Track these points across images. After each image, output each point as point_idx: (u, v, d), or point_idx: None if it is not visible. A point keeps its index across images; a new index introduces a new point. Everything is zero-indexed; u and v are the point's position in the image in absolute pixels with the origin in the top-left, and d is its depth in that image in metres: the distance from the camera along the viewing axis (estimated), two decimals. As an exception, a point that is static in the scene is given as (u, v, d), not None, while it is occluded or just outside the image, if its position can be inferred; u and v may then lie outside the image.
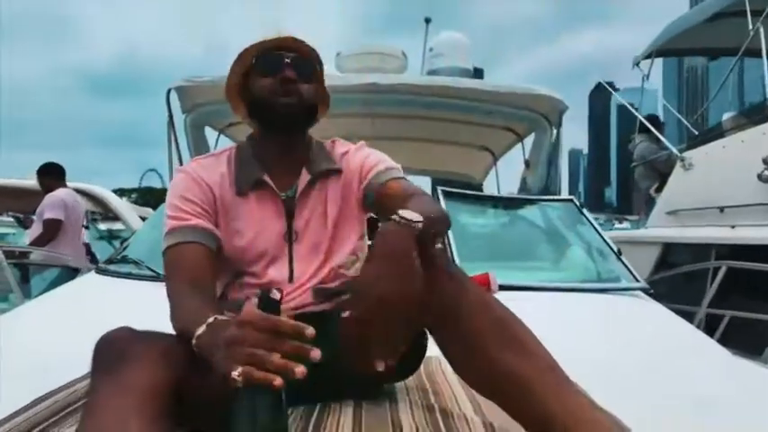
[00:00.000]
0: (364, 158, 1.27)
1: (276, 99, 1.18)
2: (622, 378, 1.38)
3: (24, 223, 5.23)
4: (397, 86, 2.98)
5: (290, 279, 1.19)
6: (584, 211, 2.79)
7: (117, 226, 6.55)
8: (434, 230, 0.94)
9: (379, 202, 1.21)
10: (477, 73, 3.82)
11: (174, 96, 3.13)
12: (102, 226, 6.67)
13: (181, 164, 3.26)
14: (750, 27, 4.01)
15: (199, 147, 3.42)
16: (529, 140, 3.77)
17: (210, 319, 0.83)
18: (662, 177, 5.07)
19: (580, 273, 2.52)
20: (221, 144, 3.80)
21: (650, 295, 2.26)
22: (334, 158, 1.28)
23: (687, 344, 1.81)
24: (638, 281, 2.31)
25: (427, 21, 3.69)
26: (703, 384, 1.43)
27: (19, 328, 1.86)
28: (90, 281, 2.45)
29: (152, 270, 2.21)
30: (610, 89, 7.87)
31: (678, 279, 3.54)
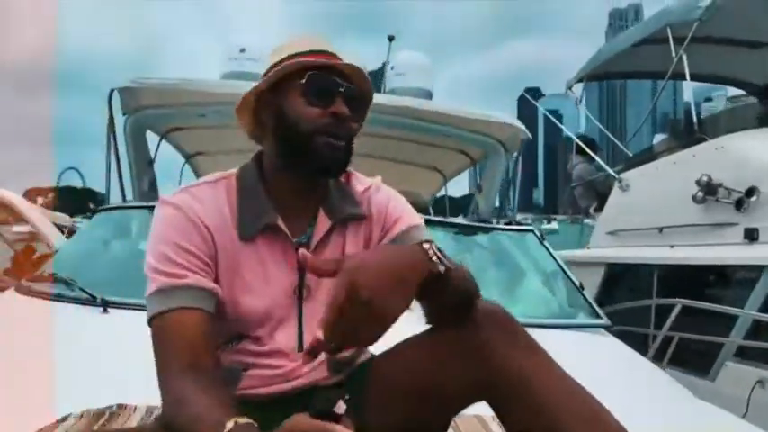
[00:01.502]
0: (386, 204, 1.09)
1: (321, 138, 0.96)
2: None
3: None
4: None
5: (300, 347, 0.99)
6: (545, 242, 2.77)
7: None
8: (453, 285, 0.84)
9: None
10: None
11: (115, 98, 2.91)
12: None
13: (119, 168, 3.05)
14: (673, 54, 4.22)
15: (138, 151, 3.20)
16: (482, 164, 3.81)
17: (230, 425, 0.68)
18: (600, 197, 5.25)
19: (543, 308, 2.48)
20: (162, 150, 3.58)
21: (611, 332, 2.26)
22: (356, 199, 1.08)
23: (645, 379, 1.84)
24: (600, 317, 2.30)
25: (390, 39, 3.65)
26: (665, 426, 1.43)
27: None
28: (10, 302, 2.12)
29: (87, 293, 1.93)
30: (533, 101, 8.14)
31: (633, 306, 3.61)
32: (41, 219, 5.15)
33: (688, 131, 4.18)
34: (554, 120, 5.52)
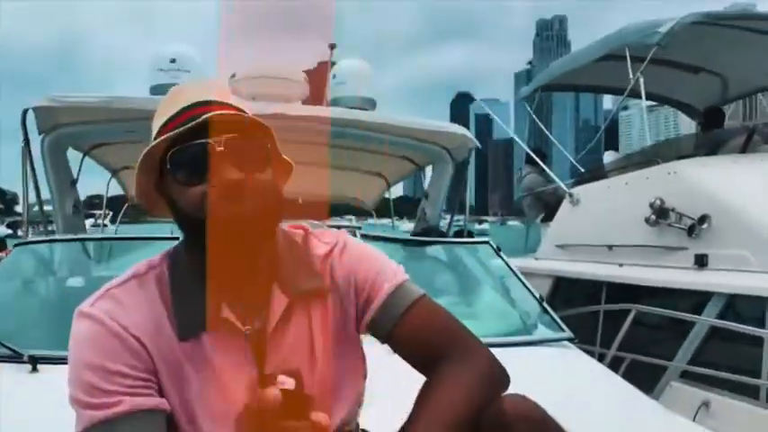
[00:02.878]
0: (356, 267, 0.92)
1: (216, 218, 0.77)
2: None
3: None
4: (304, 117, 2.80)
5: None
6: (502, 254, 2.72)
7: None
8: None
9: (397, 349, 0.91)
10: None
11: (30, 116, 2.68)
12: None
13: (38, 193, 2.82)
14: (630, 75, 4.32)
15: (59, 171, 2.95)
16: (428, 170, 3.80)
17: None
18: (547, 208, 5.33)
19: (504, 324, 2.43)
20: (86, 168, 3.29)
21: (574, 343, 2.22)
22: (317, 266, 0.91)
23: (615, 393, 1.86)
24: (563, 330, 2.26)
25: (332, 47, 3.55)
26: None
27: None
28: None
29: (9, 348, 1.67)
30: (488, 108, 8.19)
31: (581, 317, 3.66)
32: None
33: (640, 153, 4.30)
34: (512, 133, 5.54)
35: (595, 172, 4.84)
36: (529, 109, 5.69)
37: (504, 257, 2.66)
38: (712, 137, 4.40)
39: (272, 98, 2.86)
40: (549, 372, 1.99)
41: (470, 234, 3.52)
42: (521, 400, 0.84)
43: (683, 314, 3.10)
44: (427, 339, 0.88)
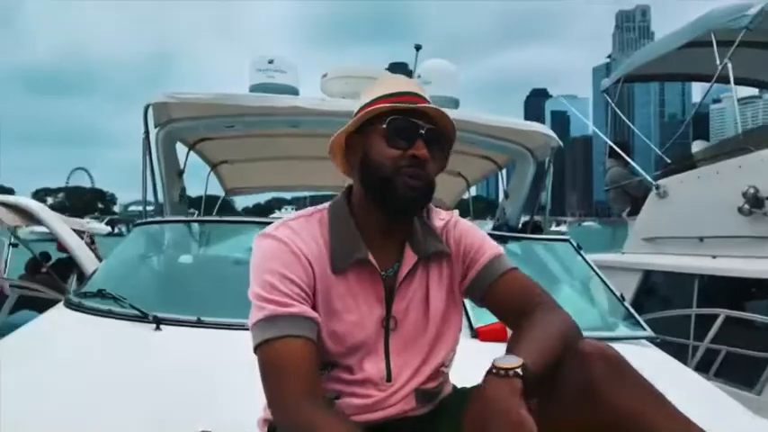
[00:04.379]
0: (465, 237, 1.11)
1: (400, 179, 0.99)
2: None
3: None
4: None
5: (388, 377, 1.03)
6: (582, 252, 2.74)
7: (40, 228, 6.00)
8: (537, 377, 0.85)
9: (491, 304, 1.09)
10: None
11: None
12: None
13: (153, 180, 3.16)
14: (717, 61, 4.17)
15: (169, 162, 3.31)
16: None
17: None
18: (633, 201, 5.22)
19: (583, 320, 2.48)
20: (191, 160, 3.70)
21: (655, 343, 2.22)
22: (439, 235, 1.11)
23: (696, 394, 1.79)
24: (643, 329, 2.27)
25: (417, 48, 3.67)
26: None
27: None
28: (64, 318, 2.17)
29: (137, 309, 1.97)
30: (567, 104, 8.02)
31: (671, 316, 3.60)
32: (61, 225, 5.20)
33: (733, 141, 4.14)
34: (591, 125, 5.46)
35: (683, 162, 4.69)
36: (610, 101, 5.59)
37: (584, 255, 2.69)
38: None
39: (357, 96, 3.06)
40: None
41: (540, 230, 3.52)
42: (597, 342, 0.96)
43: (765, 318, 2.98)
44: (518, 299, 1.04)
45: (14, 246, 5.93)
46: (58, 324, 2.13)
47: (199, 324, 1.93)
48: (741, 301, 3.33)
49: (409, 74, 3.85)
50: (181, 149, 3.53)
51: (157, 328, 1.91)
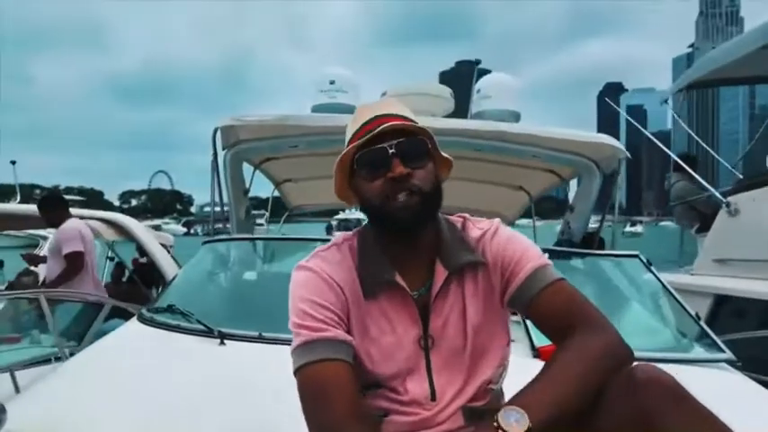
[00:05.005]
0: (503, 248, 1.09)
1: (390, 204, 1.02)
2: None
3: (31, 260, 4.96)
4: (450, 130, 2.92)
5: (432, 396, 1.04)
6: (653, 268, 2.60)
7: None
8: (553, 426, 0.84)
9: (533, 318, 1.05)
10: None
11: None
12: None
13: (221, 198, 3.32)
14: None
15: (236, 181, 3.45)
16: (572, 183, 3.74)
17: None
18: (702, 217, 4.93)
19: (656, 340, 2.32)
20: (257, 179, 3.89)
21: (736, 367, 2.07)
22: (471, 246, 1.10)
23: None
24: (723, 351, 2.13)
25: (477, 62, 3.66)
26: None
27: (76, 393, 1.69)
28: (137, 332, 2.30)
29: (203, 324, 2.08)
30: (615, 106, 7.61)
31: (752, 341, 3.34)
32: (151, 240, 5.49)
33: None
34: (655, 140, 5.15)
35: (758, 178, 4.38)
36: (672, 112, 5.30)
37: (655, 271, 2.56)
38: None
39: (418, 113, 3.08)
40: (706, 393, 1.91)
41: (602, 243, 3.34)
42: (651, 366, 0.91)
43: None
44: (561, 314, 1.01)
45: (111, 259, 6.32)
46: (131, 338, 2.26)
47: (260, 339, 2.01)
48: None
49: (475, 73, 3.80)
50: (246, 169, 3.69)
51: (222, 342, 1.99)
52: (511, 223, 5.19)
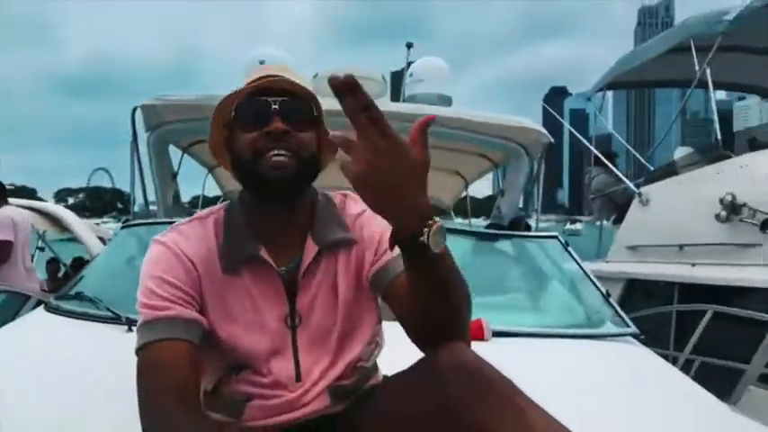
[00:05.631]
0: (382, 227, 1.02)
1: (263, 159, 0.94)
2: (615, 428, 1.35)
3: None
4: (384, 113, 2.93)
5: (298, 377, 1.00)
6: (570, 249, 2.71)
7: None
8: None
9: (389, 300, 0.99)
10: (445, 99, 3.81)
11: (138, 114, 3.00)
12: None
13: (143, 183, 3.14)
14: (696, 67, 4.17)
15: (162, 165, 3.29)
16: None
17: None
18: (619, 209, 5.19)
19: (569, 317, 2.42)
20: (185, 163, 3.68)
21: (640, 340, 2.19)
22: (346, 223, 1.06)
23: (681, 393, 1.78)
24: (628, 326, 2.24)
25: (409, 46, 3.65)
26: None
27: None
28: (38, 321, 2.16)
29: (111, 311, 1.97)
30: (555, 113, 8.04)
31: (654, 318, 3.56)
32: (88, 233, 5.26)
33: (712, 147, 4.13)
34: (576, 133, 5.48)
35: (665, 169, 4.67)
36: (595, 109, 5.58)
37: (572, 252, 2.67)
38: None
39: None
40: (613, 365, 1.98)
41: (528, 228, 3.48)
42: (457, 350, 0.86)
43: (761, 314, 2.95)
44: (409, 300, 0.92)
45: (41, 249, 6.05)
46: (32, 327, 2.12)
47: None
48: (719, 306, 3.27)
49: (407, 56, 3.81)
50: (175, 152, 3.51)
51: (129, 329, 1.89)
52: (448, 210, 5.27)
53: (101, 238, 5.54)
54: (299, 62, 3.44)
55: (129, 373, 1.57)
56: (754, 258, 3.17)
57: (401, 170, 0.74)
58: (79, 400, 1.41)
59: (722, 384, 3.02)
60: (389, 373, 1.10)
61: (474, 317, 1.84)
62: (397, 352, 1.07)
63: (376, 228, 1.04)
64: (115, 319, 1.94)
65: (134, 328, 1.85)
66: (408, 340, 0.97)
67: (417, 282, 0.86)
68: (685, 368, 3.18)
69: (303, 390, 0.99)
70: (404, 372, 0.97)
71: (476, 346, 0.91)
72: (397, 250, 0.93)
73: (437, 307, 0.86)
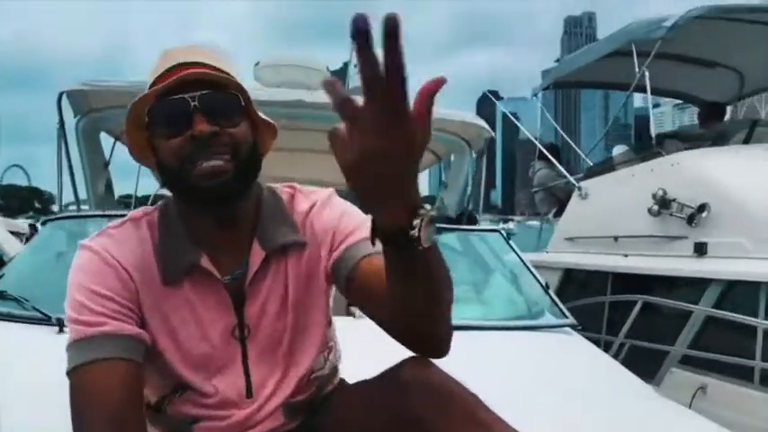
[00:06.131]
0: (336, 220, 0.94)
1: (193, 168, 0.83)
2: (552, 415, 1.40)
3: None
4: (322, 104, 2.82)
5: (249, 393, 0.92)
6: (511, 242, 2.80)
7: None
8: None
9: (351, 290, 0.91)
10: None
11: (64, 101, 2.85)
12: None
13: (72, 172, 2.97)
14: (636, 70, 4.38)
15: (92, 153, 3.13)
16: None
17: None
18: (560, 203, 5.40)
19: (510, 309, 2.52)
20: (117, 152, 3.44)
21: (577, 330, 2.31)
22: (295, 222, 0.96)
23: (614, 380, 1.90)
24: (566, 317, 2.35)
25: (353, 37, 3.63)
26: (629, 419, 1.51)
27: None
28: None
29: (39, 311, 1.85)
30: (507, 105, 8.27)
31: (589, 307, 3.75)
32: None
33: (646, 146, 4.36)
34: (517, 124, 5.73)
35: (604, 165, 4.89)
36: (540, 105, 5.78)
37: (513, 245, 2.75)
38: (717, 129, 4.43)
39: (293, 86, 2.95)
40: (550, 356, 2.09)
41: (475, 221, 3.57)
42: (419, 364, 0.84)
43: (685, 304, 3.17)
44: (378, 287, 0.82)
45: None
46: None
47: None
48: (648, 296, 3.49)
49: (352, 48, 3.79)
50: (106, 141, 3.32)
51: (61, 330, 1.77)
52: None
53: (14, 233, 5.20)
54: (237, 49, 3.28)
55: (60, 376, 1.49)
56: (682, 250, 3.36)
57: (402, 151, 0.59)
58: (16, 406, 1.33)
59: (648, 367, 3.23)
60: (346, 373, 1.08)
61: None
62: (354, 351, 1.08)
63: (328, 221, 0.95)
64: (44, 320, 1.83)
65: (65, 329, 1.78)
66: (364, 339, 0.96)
67: (401, 281, 0.74)
68: (618, 352, 3.39)
69: (256, 406, 0.92)
70: (365, 384, 0.94)
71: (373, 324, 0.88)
72: (354, 238, 0.90)
73: (424, 309, 0.77)
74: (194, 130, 0.82)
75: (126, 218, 0.95)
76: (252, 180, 0.91)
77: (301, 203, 0.98)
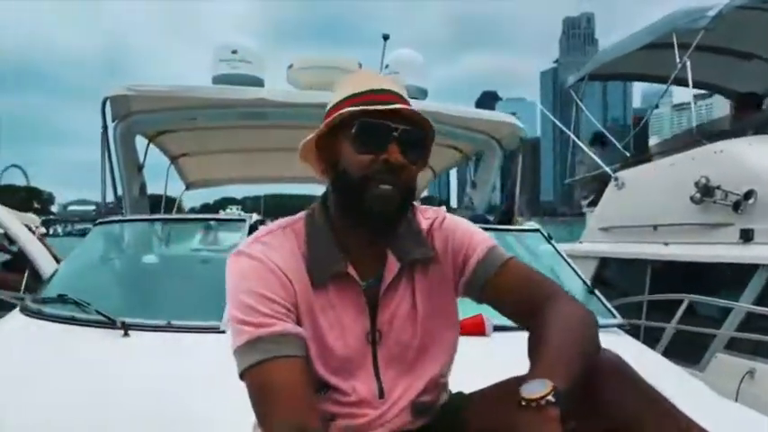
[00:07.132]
0: (451, 238, 1.05)
1: (370, 188, 0.91)
2: None
3: None
4: None
5: (381, 394, 0.99)
6: (553, 241, 2.80)
7: None
8: (570, 396, 0.77)
9: (491, 301, 1.03)
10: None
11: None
12: None
13: (112, 175, 3.05)
14: (677, 60, 4.34)
15: (128, 156, 3.18)
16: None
17: None
18: (599, 191, 5.38)
19: None
20: (151, 153, 3.58)
21: (626, 331, 2.28)
22: (422, 237, 1.05)
23: (669, 381, 1.86)
24: (614, 316, 2.33)
25: (385, 38, 3.66)
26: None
27: None
28: (18, 325, 2.05)
29: (103, 315, 1.87)
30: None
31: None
32: (11, 219, 4.97)
33: (687, 135, 4.33)
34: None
35: (641, 156, 4.87)
36: (575, 97, 5.73)
37: (555, 245, 2.76)
38: (758, 118, 4.37)
39: (325, 87, 2.91)
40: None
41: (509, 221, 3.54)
42: (614, 354, 0.94)
43: (729, 302, 3.14)
44: (522, 292, 0.99)
45: None
46: (16, 333, 2.01)
47: (169, 328, 1.87)
48: (691, 284, 3.48)
49: (384, 48, 3.82)
50: (140, 143, 3.39)
51: (125, 333, 1.83)
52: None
53: (27, 227, 5.24)
54: (268, 52, 3.36)
55: (131, 377, 1.52)
56: (727, 237, 3.33)
57: None
58: (82, 414, 1.36)
59: (692, 353, 3.23)
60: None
61: (474, 312, 1.89)
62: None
63: (450, 238, 1.05)
64: (108, 324, 1.86)
65: (131, 333, 1.82)
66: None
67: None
68: (659, 339, 3.37)
69: (386, 407, 0.99)
70: (493, 388, 1.04)
71: (478, 340, 0.95)
72: (481, 251, 1.03)
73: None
74: (390, 155, 0.92)
75: (273, 227, 1.02)
76: (407, 211, 1.01)
77: (421, 222, 1.07)
